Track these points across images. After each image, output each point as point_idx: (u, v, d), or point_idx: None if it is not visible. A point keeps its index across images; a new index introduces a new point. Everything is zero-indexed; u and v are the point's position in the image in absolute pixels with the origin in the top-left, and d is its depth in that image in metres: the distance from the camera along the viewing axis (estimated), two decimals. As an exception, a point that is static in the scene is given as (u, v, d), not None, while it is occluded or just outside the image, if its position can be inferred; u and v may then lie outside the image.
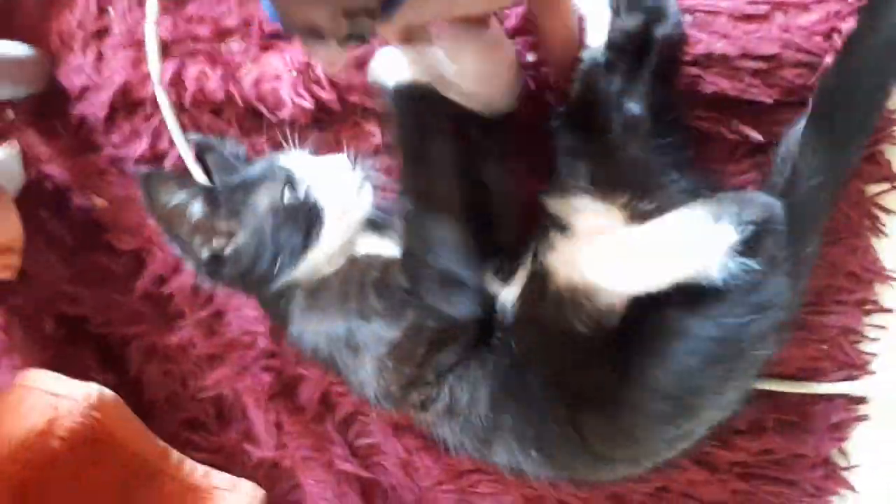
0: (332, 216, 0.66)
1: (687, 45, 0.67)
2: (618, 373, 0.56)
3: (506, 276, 0.68)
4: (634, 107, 0.62)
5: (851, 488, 0.76)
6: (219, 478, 0.83)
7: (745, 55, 0.65)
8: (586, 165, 0.65)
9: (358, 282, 0.65)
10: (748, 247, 0.54)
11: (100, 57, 0.82)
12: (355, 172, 0.67)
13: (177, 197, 0.65)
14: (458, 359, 0.64)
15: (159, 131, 0.83)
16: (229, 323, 0.85)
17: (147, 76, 0.79)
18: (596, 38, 0.66)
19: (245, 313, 0.84)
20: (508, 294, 0.67)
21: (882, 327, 0.75)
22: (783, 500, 0.77)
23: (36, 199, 0.86)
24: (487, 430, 0.65)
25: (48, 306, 0.88)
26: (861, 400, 0.76)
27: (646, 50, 0.63)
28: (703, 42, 0.66)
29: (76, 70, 0.83)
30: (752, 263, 0.53)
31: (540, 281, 0.64)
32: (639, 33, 0.63)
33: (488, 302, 0.66)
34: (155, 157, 0.84)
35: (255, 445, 0.88)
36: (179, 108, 0.80)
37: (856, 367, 0.75)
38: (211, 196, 0.66)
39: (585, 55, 0.67)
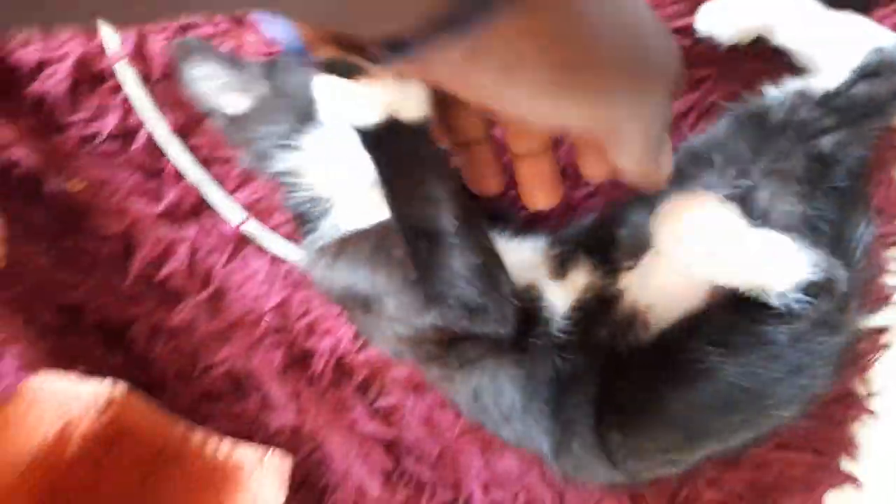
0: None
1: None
2: (648, 393, 0.56)
3: (555, 269, 0.64)
4: None
5: (872, 413, 0.77)
6: (245, 452, 0.82)
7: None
8: None
9: (387, 255, 0.57)
10: (809, 290, 0.51)
11: (48, 27, 0.74)
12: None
13: (206, 67, 0.63)
14: (485, 352, 0.61)
15: (130, 104, 0.76)
16: (231, 303, 0.82)
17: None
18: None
19: (246, 292, 0.81)
20: (557, 294, 0.63)
21: (907, 259, 0.72)
22: (804, 433, 0.77)
23: (5, 186, 0.80)
24: (507, 419, 0.64)
25: (40, 297, 0.84)
26: (883, 330, 0.75)
27: None
28: None
29: (23, 44, 0.74)
30: (812, 302, 0.51)
31: (608, 300, 0.61)
32: None
33: (530, 295, 0.62)
34: (126, 132, 0.78)
35: (274, 414, 0.88)
36: (147, 80, 0.73)
37: (879, 299, 0.73)
38: (237, 69, 0.63)
39: None
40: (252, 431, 0.90)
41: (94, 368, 0.83)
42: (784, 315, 0.51)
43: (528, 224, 0.67)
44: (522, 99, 0.32)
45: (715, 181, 0.61)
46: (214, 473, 0.81)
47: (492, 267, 0.55)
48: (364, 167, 0.56)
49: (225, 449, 0.83)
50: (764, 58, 0.66)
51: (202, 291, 0.82)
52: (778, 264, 0.52)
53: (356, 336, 0.83)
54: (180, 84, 0.65)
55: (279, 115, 0.62)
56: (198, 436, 0.82)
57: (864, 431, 0.78)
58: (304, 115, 0.60)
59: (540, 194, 0.52)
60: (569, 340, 0.61)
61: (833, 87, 0.58)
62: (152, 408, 0.79)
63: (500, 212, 0.66)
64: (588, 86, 0.32)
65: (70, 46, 0.73)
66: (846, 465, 0.79)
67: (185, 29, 0.73)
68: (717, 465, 0.80)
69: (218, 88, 0.64)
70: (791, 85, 0.61)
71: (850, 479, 0.80)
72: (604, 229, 0.66)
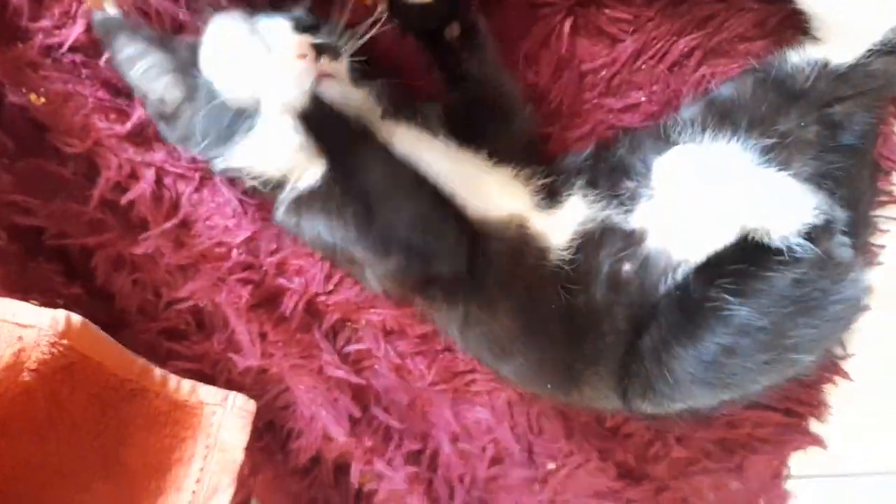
0: (269, 106, 0.58)
1: None
2: (668, 338, 0.58)
3: (545, 200, 0.65)
4: None
5: (846, 377, 0.77)
6: (207, 392, 0.79)
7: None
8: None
9: (338, 207, 0.60)
10: (811, 234, 0.55)
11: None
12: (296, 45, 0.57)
13: (132, 47, 0.63)
14: (461, 283, 0.62)
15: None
16: (198, 234, 0.78)
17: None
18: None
19: (215, 223, 0.77)
20: (549, 225, 0.64)
21: (894, 219, 0.72)
22: (778, 392, 0.77)
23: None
24: (507, 351, 0.65)
25: (-4, 218, 0.79)
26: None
27: None
28: None
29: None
30: (812, 247, 0.55)
31: (622, 232, 0.62)
32: None
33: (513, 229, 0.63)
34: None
35: (239, 354, 0.84)
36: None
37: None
38: (166, 51, 0.63)
39: None
40: (216, 372, 0.87)
41: (51, 298, 0.79)
42: (787, 261, 0.55)
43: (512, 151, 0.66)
44: None
45: (739, 141, 0.63)
46: (175, 412, 0.78)
47: (433, 212, 0.58)
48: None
49: (186, 388, 0.79)
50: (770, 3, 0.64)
51: (168, 220, 0.77)
52: (781, 206, 0.55)
53: (328, 277, 0.80)
54: (109, 63, 0.65)
55: (211, 119, 0.61)
56: (157, 373, 0.78)
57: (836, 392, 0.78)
58: (232, 120, 0.60)
59: None
60: (577, 273, 0.62)
61: (851, 62, 0.61)
62: (110, 341, 0.75)
63: (486, 132, 0.65)
64: None
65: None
66: (814, 426, 0.80)
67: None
68: (688, 421, 0.80)
69: (146, 72, 0.63)
70: (811, 54, 0.63)
71: (816, 440, 0.80)
72: (609, 158, 0.66)
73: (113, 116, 0.74)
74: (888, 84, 0.63)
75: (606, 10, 0.66)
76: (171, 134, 0.67)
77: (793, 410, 0.78)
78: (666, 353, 0.58)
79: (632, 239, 0.63)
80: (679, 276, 0.60)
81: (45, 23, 0.72)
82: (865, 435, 0.80)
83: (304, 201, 0.62)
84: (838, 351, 0.77)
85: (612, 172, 0.65)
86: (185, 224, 0.78)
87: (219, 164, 0.64)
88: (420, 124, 0.63)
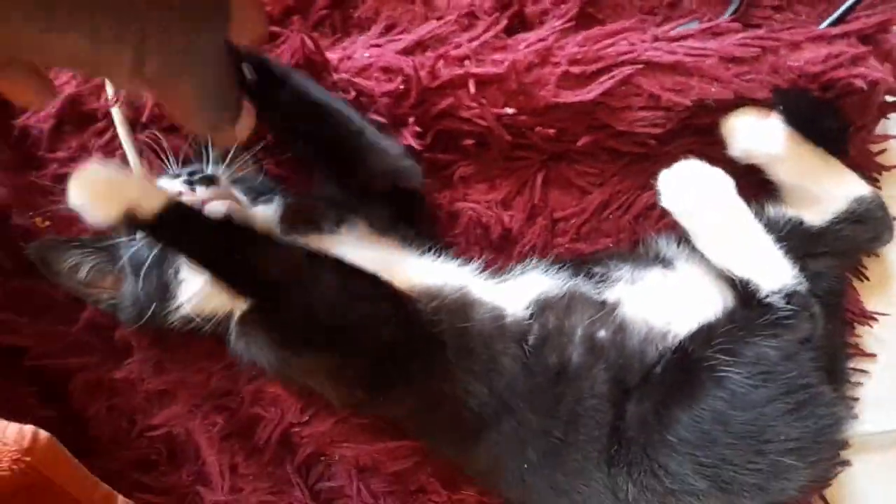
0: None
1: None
2: (668, 402, 0.59)
3: (491, 274, 0.69)
4: None
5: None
6: (167, 526, 0.76)
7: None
8: None
9: (277, 316, 0.64)
10: (792, 298, 0.59)
11: (48, 64, 0.76)
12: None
13: (68, 260, 0.69)
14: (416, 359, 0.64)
15: (112, 147, 0.77)
16: (181, 359, 0.79)
17: (101, 88, 0.74)
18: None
19: (198, 349, 0.78)
20: (503, 291, 0.67)
21: (864, 371, 0.73)
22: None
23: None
24: (478, 428, 0.65)
25: (-23, 336, 0.80)
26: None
27: None
28: (695, 88, 0.64)
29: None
30: (792, 306, 0.58)
31: (596, 306, 0.65)
32: None
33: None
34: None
35: (207, 488, 0.82)
36: (136, 124, 0.74)
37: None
38: (98, 251, 0.69)
39: None
40: (182, 506, 0.84)
41: (22, 419, 0.78)
42: (773, 325, 0.58)
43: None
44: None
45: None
46: (132, 546, 0.74)
47: (359, 286, 0.62)
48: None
49: (147, 521, 0.77)
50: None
51: (152, 347, 0.78)
52: (770, 263, 0.59)
53: (304, 408, 0.80)
54: (53, 280, 0.70)
55: (146, 281, 0.67)
56: (120, 501, 0.75)
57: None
58: (162, 285, 0.67)
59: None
60: (547, 334, 0.64)
61: (823, 225, 0.66)
62: (75, 464, 0.73)
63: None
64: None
65: (64, 84, 0.74)
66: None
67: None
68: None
69: (87, 277, 0.70)
70: (785, 211, 0.68)
71: None
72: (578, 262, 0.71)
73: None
74: (856, 248, 0.69)
75: (576, 165, 0.72)
76: (129, 317, 0.70)
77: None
78: (667, 416, 0.58)
79: (604, 308, 0.65)
80: (670, 342, 0.62)
81: (61, 154, 0.77)
82: None
83: (247, 323, 0.66)
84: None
85: (580, 264, 0.70)
86: (169, 349, 0.79)
87: (176, 319, 0.68)
88: (323, 229, 0.69)
